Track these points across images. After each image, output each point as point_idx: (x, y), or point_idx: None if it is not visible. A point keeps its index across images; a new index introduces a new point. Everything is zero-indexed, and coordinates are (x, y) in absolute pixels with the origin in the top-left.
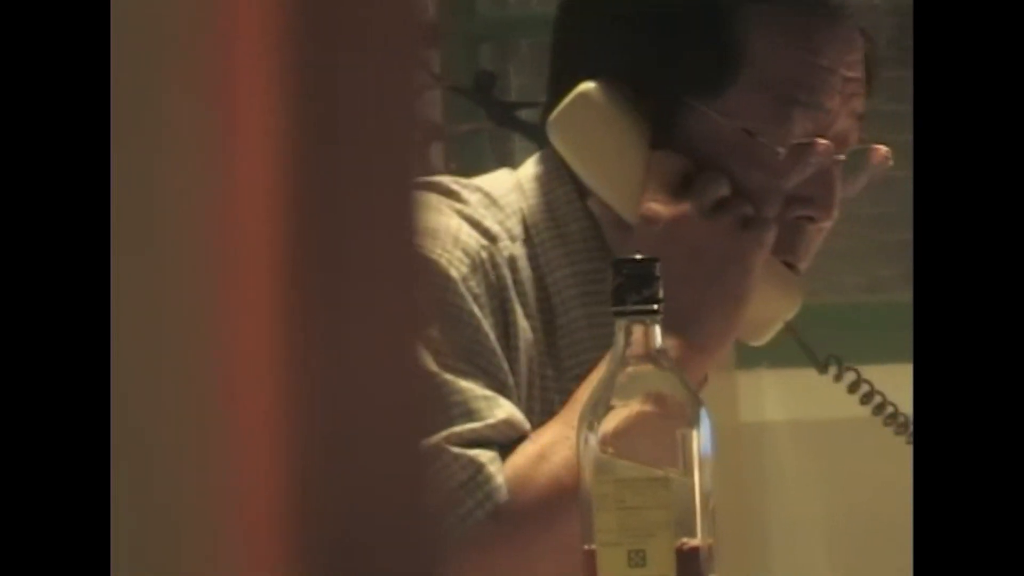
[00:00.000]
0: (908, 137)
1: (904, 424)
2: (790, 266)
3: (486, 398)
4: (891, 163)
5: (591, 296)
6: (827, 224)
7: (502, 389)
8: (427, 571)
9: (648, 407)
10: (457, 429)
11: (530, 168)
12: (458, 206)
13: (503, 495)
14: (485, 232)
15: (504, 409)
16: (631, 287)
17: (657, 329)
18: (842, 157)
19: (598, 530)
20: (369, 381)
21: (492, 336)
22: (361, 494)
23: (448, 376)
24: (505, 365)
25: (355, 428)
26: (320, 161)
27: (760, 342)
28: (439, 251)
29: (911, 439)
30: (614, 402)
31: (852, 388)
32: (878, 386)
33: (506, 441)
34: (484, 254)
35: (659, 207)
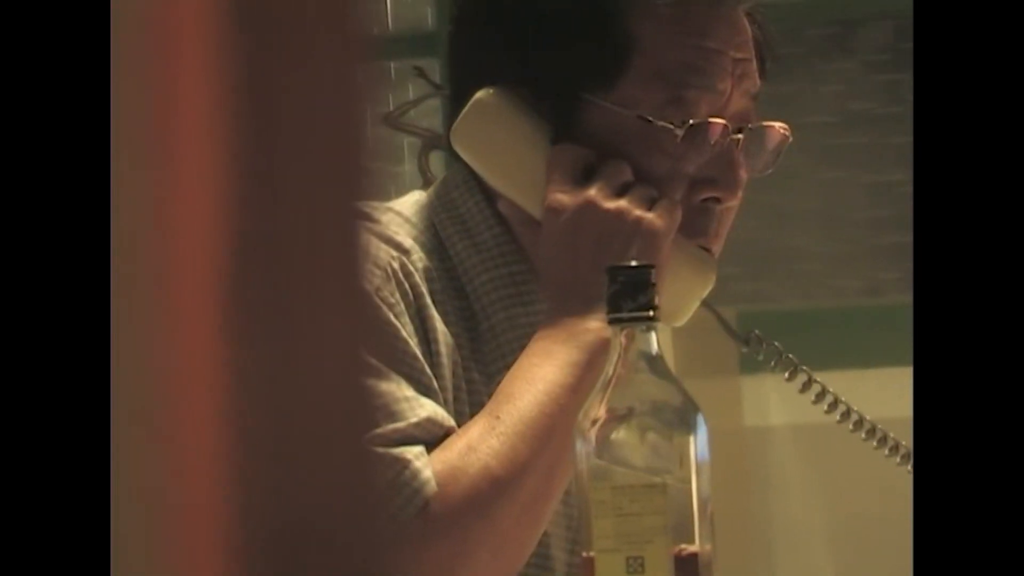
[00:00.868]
0: (905, 140)
1: (871, 430)
2: (705, 250)
3: (407, 399)
4: (790, 139)
5: (511, 299)
6: (733, 203)
7: (427, 392)
8: (364, 570)
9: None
10: (380, 431)
11: (440, 185)
12: (367, 224)
13: (432, 487)
14: (397, 246)
15: (426, 408)
16: (626, 294)
17: (653, 336)
18: (740, 136)
19: (596, 537)
20: (308, 384)
21: (412, 343)
22: (299, 495)
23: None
24: (428, 370)
25: (294, 431)
26: (261, 171)
27: (679, 323)
28: None
29: (880, 444)
30: (609, 409)
31: (817, 399)
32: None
33: (432, 439)
34: (396, 264)
35: (564, 196)
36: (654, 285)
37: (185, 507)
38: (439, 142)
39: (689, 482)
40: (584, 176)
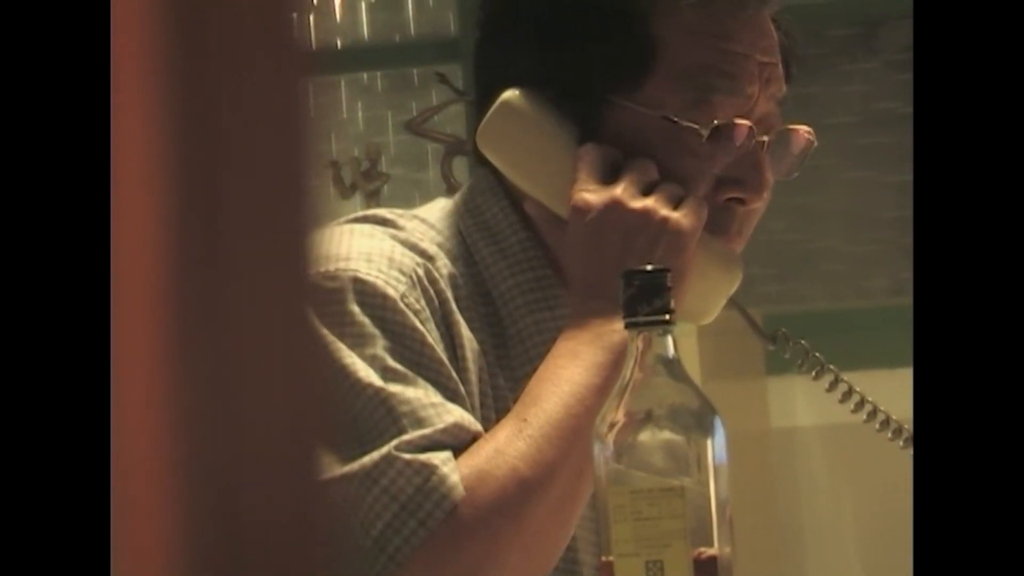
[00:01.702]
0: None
1: (898, 430)
2: None
3: (434, 405)
4: (815, 144)
5: (537, 304)
6: (759, 205)
7: (453, 398)
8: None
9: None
10: (407, 437)
11: (465, 191)
12: (392, 231)
13: (460, 492)
14: (422, 252)
15: (453, 413)
16: (642, 298)
17: (669, 339)
18: (766, 139)
19: (615, 541)
20: (254, 388)
21: (438, 348)
22: (246, 501)
23: (395, 388)
24: (454, 375)
25: (241, 437)
26: (200, 184)
27: (706, 321)
28: (375, 273)
29: (907, 444)
30: (627, 413)
31: (844, 398)
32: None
33: (459, 444)
34: (421, 271)
35: (590, 195)
36: (670, 289)
37: (130, 510)
38: (462, 148)
39: (707, 485)
40: (610, 175)
